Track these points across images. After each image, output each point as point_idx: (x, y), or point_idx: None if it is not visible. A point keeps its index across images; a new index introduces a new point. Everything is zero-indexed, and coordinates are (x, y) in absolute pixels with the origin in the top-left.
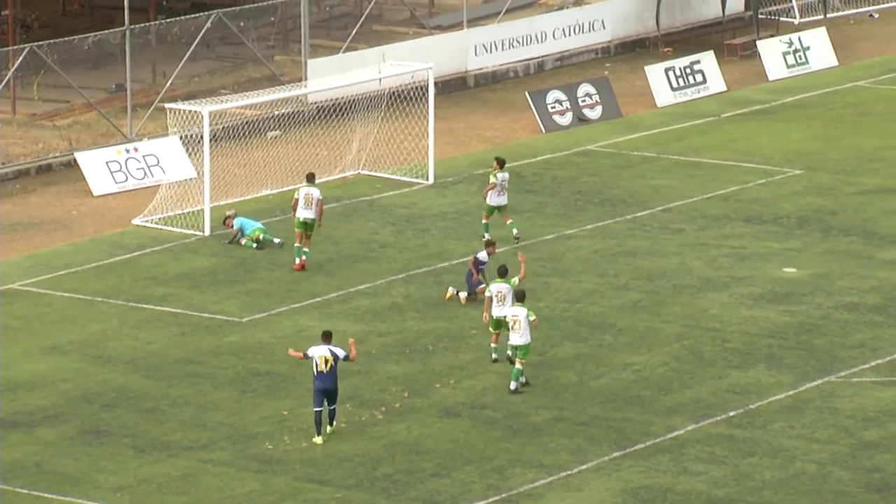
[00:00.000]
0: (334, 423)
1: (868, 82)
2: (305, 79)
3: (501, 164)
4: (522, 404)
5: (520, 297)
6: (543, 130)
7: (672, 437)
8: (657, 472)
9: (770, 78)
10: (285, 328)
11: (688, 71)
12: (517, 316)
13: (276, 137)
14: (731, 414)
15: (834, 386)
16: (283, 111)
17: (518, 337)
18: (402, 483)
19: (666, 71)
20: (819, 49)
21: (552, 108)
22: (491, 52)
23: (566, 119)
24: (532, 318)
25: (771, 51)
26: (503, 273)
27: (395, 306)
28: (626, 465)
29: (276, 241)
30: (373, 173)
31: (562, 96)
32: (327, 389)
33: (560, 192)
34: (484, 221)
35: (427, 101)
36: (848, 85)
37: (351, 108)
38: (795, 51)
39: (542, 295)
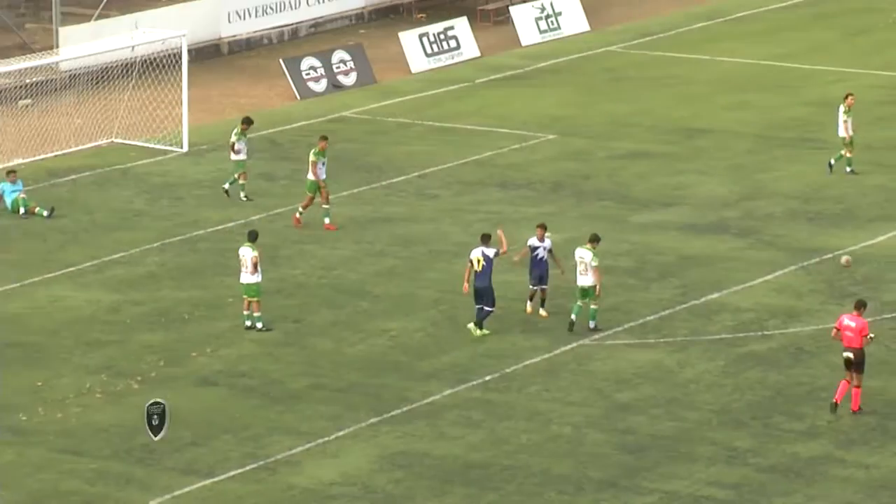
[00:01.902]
0: (483, 326)
1: (620, 47)
2: (57, 47)
3: (249, 123)
4: (279, 372)
5: (592, 238)
6: (298, 97)
7: (429, 403)
8: (414, 437)
9: (523, 43)
10: (39, 299)
11: (442, 37)
12: (584, 258)
13: (28, 106)
14: (488, 378)
15: (588, 349)
16: (34, 80)
17: (584, 279)
18: (158, 453)
19: (420, 37)
20: (571, 14)
21: (307, 74)
22: (244, 19)
23: (321, 86)
24: (595, 263)
25: (524, 16)
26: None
27: (151, 275)
28: (383, 430)
29: (45, 213)
30: (127, 141)
31: (316, 63)
32: (477, 288)
33: None
34: (241, 181)
35: (181, 68)
36: (600, 50)
37: (104, 76)
38: (548, 16)
39: (298, 262)
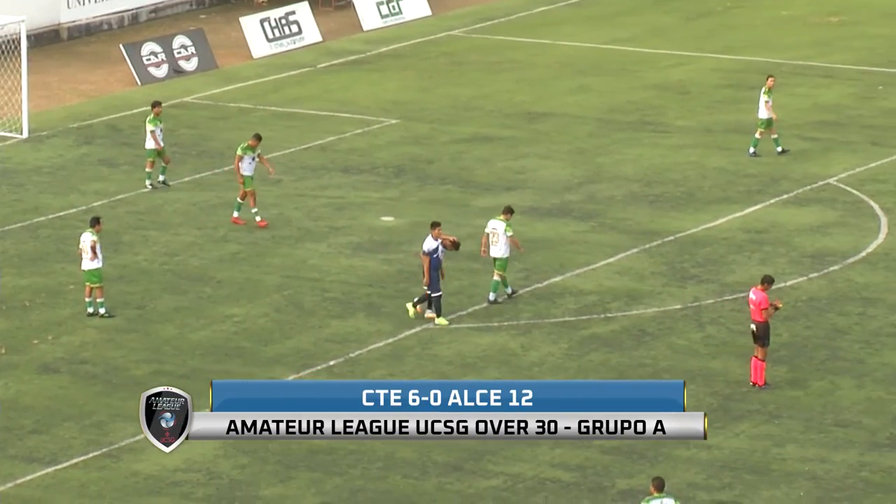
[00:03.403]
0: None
1: (461, 31)
2: None
3: (159, 105)
4: (122, 359)
5: (506, 210)
6: (139, 83)
7: None
8: None
9: (365, 28)
10: None
11: (283, 22)
12: (496, 229)
13: None
14: (332, 363)
15: (433, 333)
16: None
17: (496, 250)
18: (0, 441)
19: (261, 22)
20: None
21: (147, 60)
22: (84, 4)
23: (162, 71)
24: (510, 233)
25: (365, 1)
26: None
27: None
28: None
29: None
30: None
31: (157, 48)
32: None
33: None
34: (148, 170)
35: (20, 54)
36: (441, 35)
37: None
38: (389, 1)
39: (141, 248)
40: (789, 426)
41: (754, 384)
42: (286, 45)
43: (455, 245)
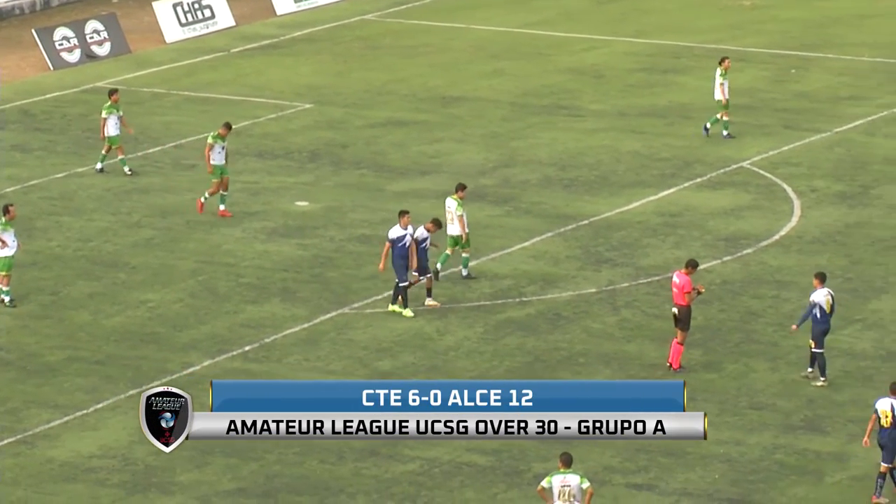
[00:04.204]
0: (405, 305)
1: (375, 16)
2: None
3: (111, 93)
4: (36, 345)
5: (459, 187)
6: (52, 68)
7: (188, 374)
8: None
9: (279, 12)
10: None
11: (196, 6)
12: (450, 208)
13: None
14: (247, 348)
15: (348, 318)
16: None
17: (452, 228)
18: None
19: (174, 6)
20: None
21: (60, 45)
22: None
23: (74, 56)
24: (460, 212)
25: None
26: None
27: None
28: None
29: None
30: None
31: (69, 33)
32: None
33: (70, 130)
34: (121, 156)
35: None
36: (355, 19)
37: None
38: None
39: (55, 234)
40: (704, 409)
41: (670, 366)
42: (199, 29)
43: (437, 225)
